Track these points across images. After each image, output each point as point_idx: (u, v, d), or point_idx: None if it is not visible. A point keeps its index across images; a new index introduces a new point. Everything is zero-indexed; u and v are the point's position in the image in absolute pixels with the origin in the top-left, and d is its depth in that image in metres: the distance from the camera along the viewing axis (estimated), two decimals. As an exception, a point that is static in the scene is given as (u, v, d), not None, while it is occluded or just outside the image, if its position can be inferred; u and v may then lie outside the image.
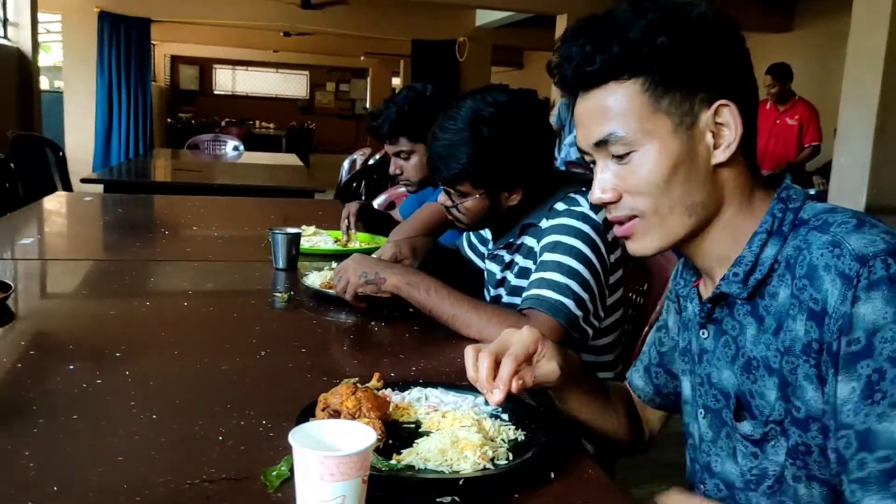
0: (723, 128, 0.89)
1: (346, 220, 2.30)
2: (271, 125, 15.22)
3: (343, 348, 1.45)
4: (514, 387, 0.95)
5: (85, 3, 9.04)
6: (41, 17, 7.07)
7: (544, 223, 1.53)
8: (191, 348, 1.32)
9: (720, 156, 0.89)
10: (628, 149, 0.89)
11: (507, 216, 1.60)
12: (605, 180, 0.92)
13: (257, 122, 15.73)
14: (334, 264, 1.85)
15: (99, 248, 2.37)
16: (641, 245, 0.93)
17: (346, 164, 6.20)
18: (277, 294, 1.70)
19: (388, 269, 1.51)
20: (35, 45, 6.30)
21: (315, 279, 1.75)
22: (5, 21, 6.07)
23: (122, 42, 9.50)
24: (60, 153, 5.42)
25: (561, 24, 8.27)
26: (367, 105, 19.17)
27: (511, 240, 1.62)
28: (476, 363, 0.97)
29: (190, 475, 0.84)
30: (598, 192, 0.93)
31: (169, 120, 12.55)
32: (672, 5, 0.89)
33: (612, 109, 0.89)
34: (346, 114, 20.14)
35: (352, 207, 2.34)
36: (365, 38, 12.51)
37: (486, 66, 10.83)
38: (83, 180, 3.92)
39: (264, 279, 1.92)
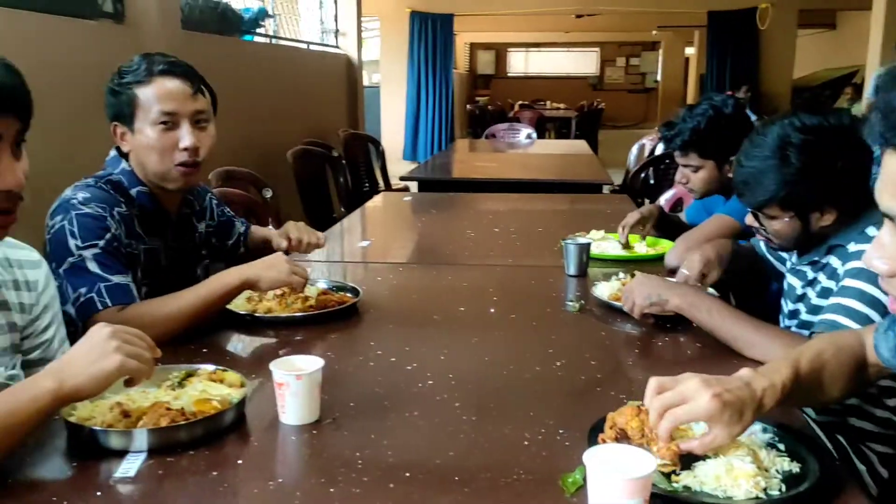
0: None
1: (623, 227, 2.40)
2: (561, 105, 15.51)
3: (629, 362, 1.60)
4: (666, 455, 1.03)
5: (398, 5, 10.02)
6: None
7: (852, 246, 1.51)
8: (499, 355, 1.56)
9: None
10: None
11: (817, 235, 1.59)
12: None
13: (548, 103, 16.13)
14: (621, 275, 2.00)
15: (418, 251, 2.76)
16: None
17: (634, 150, 6.22)
18: (570, 302, 1.89)
19: (671, 290, 1.63)
20: (360, 51, 7.17)
21: (604, 290, 1.91)
22: (336, 32, 6.99)
23: (430, 36, 10.38)
24: (380, 148, 6.15)
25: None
26: (658, 77, 18.65)
27: (817, 258, 1.62)
28: (651, 400, 1.05)
29: (504, 473, 1.06)
30: (877, 261, 0.92)
31: (468, 106, 13.39)
32: None
33: None
34: (637, 88, 19.78)
35: (631, 218, 2.43)
36: (657, 12, 12.20)
37: (792, 33, 10.03)
38: (402, 178, 4.47)
39: (557, 285, 2.12)
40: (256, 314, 1.75)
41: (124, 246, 1.66)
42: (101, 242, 1.59)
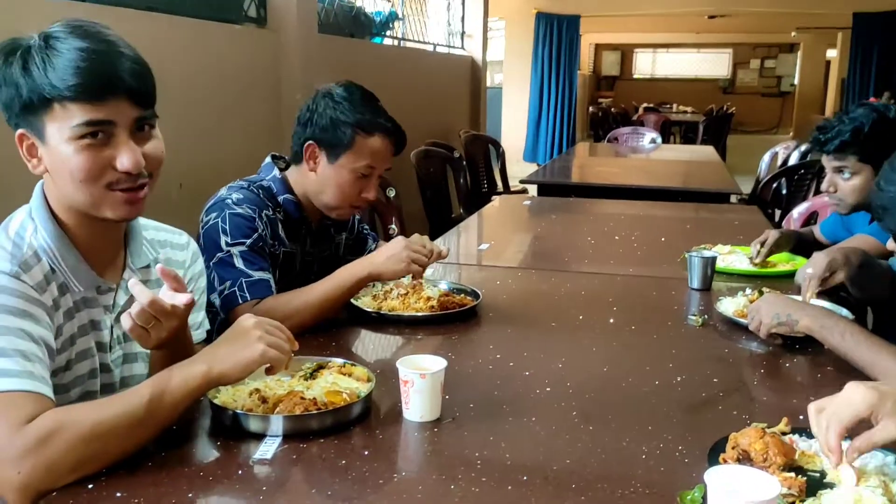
0: None
1: (759, 245, 2.32)
2: (689, 108, 15.02)
3: (753, 382, 1.56)
4: (848, 458, 1.00)
5: (524, 6, 10.03)
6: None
7: None
8: (618, 367, 1.56)
9: None
10: None
11: None
12: None
13: (674, 106, 15.67)
14: (748, 290, 1.94)
15: (537, 255, 2.78)
16: None
17: (765, 158, 5.97)
18: (692, 316, 1.86)
19: (801, 311, 1.57)
20: (484, 52, 7.24)
21: (728, 306, 1.87)
22: (462, 33, 7.09)
23: (555, 38, 10.34)
24: (500, 149, 6.19)
25: None
26: (795, 81, 17.74)
27: None
28: (817, 426, 1.03)
29: (622, 485, 1.08)
30: None
31: (591, 108, 13.22)
32: None
33: None
34: (771, 91, 18.89)
35: (771, 236, 2.34)
36: (798, 13, 11.62)
37: (950, 36, 9.30)
38: (522, 181, 4.48)
39: (679, 298, 2.09)
40: (381, 311, 1.82)
41: (268, 246, 1.78)
42: (248, 241, 1.72)
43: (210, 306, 1.67)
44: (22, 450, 1.01)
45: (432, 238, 2.12)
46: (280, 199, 1.85)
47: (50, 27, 1.14)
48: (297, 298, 1.71)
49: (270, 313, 1.63)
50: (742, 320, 1.75)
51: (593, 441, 1.22)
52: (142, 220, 1.36)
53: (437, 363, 1.30)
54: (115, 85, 1.12)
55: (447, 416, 1.28)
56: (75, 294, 1.24)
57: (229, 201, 1.75)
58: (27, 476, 1.00)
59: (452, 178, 4.96)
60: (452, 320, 1.80)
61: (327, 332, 1.71)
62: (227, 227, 1.72)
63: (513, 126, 10.38)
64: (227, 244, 1.70)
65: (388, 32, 5.37)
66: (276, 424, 1.20)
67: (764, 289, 1.92)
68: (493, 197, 5.75)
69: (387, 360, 1.57)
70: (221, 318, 1.70)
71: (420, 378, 1.25)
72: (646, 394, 1.42)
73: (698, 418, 1.33)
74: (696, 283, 2.12)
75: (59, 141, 1.12)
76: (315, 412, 1.22)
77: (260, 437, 1.19)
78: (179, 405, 1.13)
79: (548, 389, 1.42)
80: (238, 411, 1.21)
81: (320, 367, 1.41)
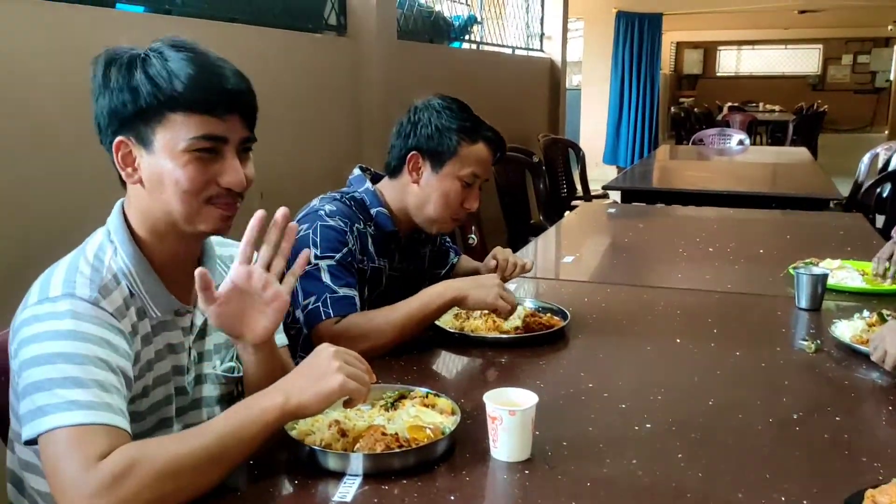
0: None
1: (886, 262, 2.12)
2: (776, 107, 14.42)
3: (881, 421, 1.39)
4: None
5: (605, 5, 9.80)
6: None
7: None
8: (724, 400, 1.42)
9: None
10: None
11: None
12: None
13: (761, 104, 15.08)
14: (866, 313, 1.77)
15: (626, 269, 2.63)
16: None
17: (865, 160, 5.61)
18: (803, 341, 1.70)
19: (939, 341, 1.40)
20: (564, 54, 7.08)
21: (845, 330, 1.70)
22: (542, 35, 6.95)
23: (636, 37, 10.06)
24: (580, 153, 6.03)
25: None
26: (891, 76, 16.85)
27: None
28: None
29: (740, 548, 0.95)
30: None
31: (672, 108, 12.83)
32: None
33: None
34: (864, 88, 18.02)
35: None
36: (893, 6, 11.00)
37: None
38: (605, 187, 4.33)
39: (785, 318, 1.93)
40: (464, 332, 1.73)
41: (357, 262, 1.72)
42: (338, 255, 1.66)
43: (294, 322, 1.62)
44: (96, 487, 0.96)
45: (511, 246, 2.02)
46: (373, 211, 1.79)
47: (153, 44, 1.14)
48: (379, 317, 1.64)
49: (351, 331, 1.58)
50: (862, 348, 1.58)
51: (704, 491, 1.09)
52: (213, 238, 1.32)
53: (527, 398, 1.20)
54: (234, 103, 1.13)
55: (538, 457, 1.17)
56: (153, 319, 1.20)
57: (322, 213, 1.70)
58: None
59: (531, 184, 4.84)
60: (539, 343, 1.70)
61: (409, 353, 1.63)
62: (318, 240, 1.66)
63: (592, 128, 10.14)
64: (317, 257, 1.65)
65: (466, 36, 5.29)
66: (357, 463, 1.12)
67: (885, 311, 1.74)
68: (573, 202, 5.63)
69: (470, 386, 1.48)
70: (305, 335, 1.64)
71: (509, 415, 1.16)
72: (759, 433, 1.28)
73: (824, 466, 1.18)
74: (804, 303, 1.95)
75: (169, 151, 1.11)
76: (398, 451, 1.13)
77: (339, 474, 1.11)
78: (256, 440, 1.07)
79: (648, 426, 1.30)
80: (316, 447, 1.14)
81: (402, 397, 1.33)
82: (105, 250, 1.17)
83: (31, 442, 1.02)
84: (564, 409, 1.38)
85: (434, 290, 1.66)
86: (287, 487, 1.12)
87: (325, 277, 1.64)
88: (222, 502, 1.04)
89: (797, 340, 1.73)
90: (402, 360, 1.60)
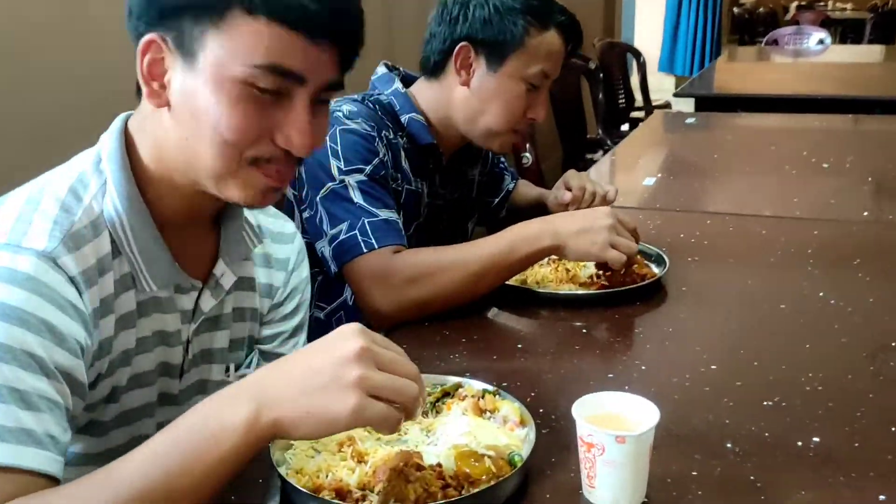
0: None
1: None
2: (847, 5, 13.28)
3: None
4: None
5: None
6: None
7: None
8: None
9: None
10: None
11: None
12: None
13: (829, 3, 13.90)
14: None
15: (725, 194, 2.11)
16: None
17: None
18: None
19: None
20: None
21: None
22: (595, -74, 6.23)
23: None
24: (641, 59, 5.44)
25: None
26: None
27: None
28: None
29: None
30: None
31: (734, 10, 11.85)
32: None
33: None
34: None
35: None
36: None
37: None
38: (676, 94, 3.80)
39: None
40: (525, 285, 1.31)
41: (391, 178, 1.30)
42: (368, 168, 1.25)
43: (313, 266, 1.18)
44: None
45: (569, 166, 1.56)
46: (404, 118, 1.35)
47: None
48: (449, 254, 1.21)
49: (406, 271, 1.18)
50: None
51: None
52: None
53: (640, 411, 0.77)
54: (339, 23, 0.75)
55: (655, 499, 0.76)
56: (142, 293, 0.81)
57: (339, 114, 1.28)
58: None
59: (588, 94, 4.31)
60: (630, 299, 1.26)
61: (445, 319, 1.20)
62: (339, 149, 1.24)
63: (647, 32, 9.38)
64: (341, 171, 1.23)
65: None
66: (377, 523, 0.72)
67: None
68: (632, 114, 5.07)
69: (542, 370, 1.06)
70: (329, 278, 1.26)
71: (616, 442, 0.73)
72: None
73: None
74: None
75: (217, 73, 0.73)
76: (443, 503, 0.72)
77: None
78: (209, 479, 0.66)
79: (815, 439, 0.86)
80: (327, 499, 0.73)
81: (446, 395, 0.92)
82: (87, 183, 0.78)
83: None
84: (680, 407, 0.94)
85: (528, 231, 1.22)
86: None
87: (357, 197, 1.22)
88: None
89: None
90: (446, 328, 1.18)
